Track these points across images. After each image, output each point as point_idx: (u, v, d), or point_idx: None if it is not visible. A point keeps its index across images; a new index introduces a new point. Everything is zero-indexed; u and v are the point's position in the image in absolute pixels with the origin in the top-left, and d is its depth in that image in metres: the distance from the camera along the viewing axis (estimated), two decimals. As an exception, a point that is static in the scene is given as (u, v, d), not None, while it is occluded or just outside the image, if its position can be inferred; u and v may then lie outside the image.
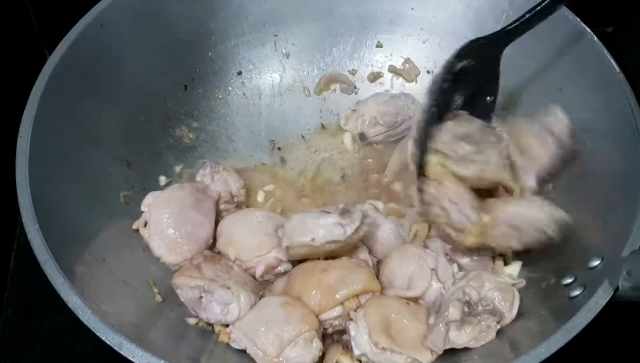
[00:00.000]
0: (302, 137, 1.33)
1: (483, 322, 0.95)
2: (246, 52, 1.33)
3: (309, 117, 1.34)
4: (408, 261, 1.05)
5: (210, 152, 1.29)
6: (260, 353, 0.95)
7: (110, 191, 1.10)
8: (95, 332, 0.83)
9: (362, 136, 1.28)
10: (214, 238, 1.12)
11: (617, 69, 1.06)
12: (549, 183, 1.11)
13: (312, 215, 1.03)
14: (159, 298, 1.02)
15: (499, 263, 1.09)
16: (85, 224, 1.00)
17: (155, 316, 0.99)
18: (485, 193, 1.07)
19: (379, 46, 1.35)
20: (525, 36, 1.19)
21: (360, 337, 0.95)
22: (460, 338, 0.95)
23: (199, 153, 1.28)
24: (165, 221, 1.07)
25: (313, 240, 1.01)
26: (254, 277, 1.08)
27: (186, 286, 1.01)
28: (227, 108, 1.33)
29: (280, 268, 1.08)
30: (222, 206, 1.16)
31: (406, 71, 1.34)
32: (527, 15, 1.08)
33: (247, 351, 0.96)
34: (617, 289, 0.85)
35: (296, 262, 1.07)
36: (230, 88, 1.33)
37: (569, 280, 0.95)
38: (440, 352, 0.95)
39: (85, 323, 0.84)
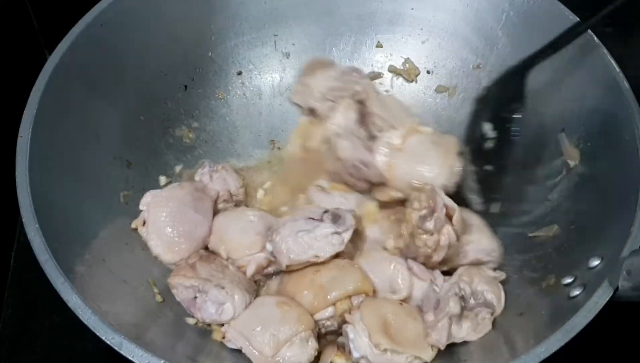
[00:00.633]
0: (303, 137, 1.33)
1: (479, 315, 0.99)
2: (246, 52, 1.33)
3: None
4: (381, 267, 1.05)
5: (210, 152, 1.29)
6: (256, 353, 0.95)
7: (110, 191, 1.10)
8: (95, 331, 0.83)
9: (312, 111, 1.28)
10: (211, 237, 1.12)
11: (617, 69, 1.06)
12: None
13: (301, 226, 1.01)
14: (159, 298, 1.02)
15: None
16: (85, 224, 1.00)
17: (155, 316, 0.99)
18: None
19: (379, 46, 1.35)
20: (525, 36, 1.20)
21: (359, 339, 0.95)
22: (460, 332, 0.97)
23: (199, 153, 1.28)
24: (163, 219, 1.07)
25: (317, 257, 1.01)
26: (250, 276, 1.08)
27: (181, 286, 1.02)
28: (227, 108, 1.33)
29: (271, 269, 1.07)
30: (220, 205, 1.16)
31: (406, 71, 1.34)
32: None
33: (243, 351, 0.96)
34: (617, 289, 0.85)
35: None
36: (230, 88, 1.33)
37: (569, 280, 0.95)
38: (442, 348, 0.96)
39: (85, 323, 0.84)
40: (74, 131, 1.05)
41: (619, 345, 1.15)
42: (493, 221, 1.13)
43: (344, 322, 0.99)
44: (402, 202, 1.14)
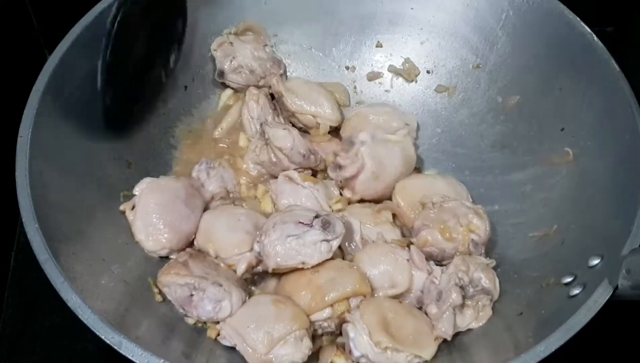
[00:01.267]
0: (302, 137, 1.32)
1: (479, 302, 1.01)
2: (246, 53, 1.33)
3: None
4: (380, 260, 1.05)
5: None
6: (250, 350, 0.95)
7: (110, 191, 1.10)
8: (95, 331, 0.83)
9: (220, 74, 1.27)
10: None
11: (617, 69, 1.06)
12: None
13: (290, 230, 1.00)
14: (158, 298, 1.02)
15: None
16: (85, 224, 1.00)
17: (155, 316, 0.99)
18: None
19: (379, 45, 1.35)
20: (526, 36, 1.20)
21: (360, 338, 0.95)
22: (464, 320, 0.99)
23: (199, 153, 1.27)
24: (152, 206, 1.07)
25: (304, 263, 1.00)
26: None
27: (174, 284, 1.00)
28: (227, 108, 1.33)
29: (260, 268, 1.07)
30: (217, 203, 1.16)
31: (406, 71, 1.34)
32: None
33: (237, 348, 0.96)
34: (616, 288, 0.85)
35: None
36: (230, 88, 1.33)
37: (568, 279, 0.95)
38: (449, 338, 0.97)
39: (85, 322, 0.84)
40: (73, 131, 1.05)
41: (619, 344, 1.15)
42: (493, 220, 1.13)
43: (342, 323, 0.99)
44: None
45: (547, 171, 1.14)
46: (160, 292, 1.03)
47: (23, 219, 0.90)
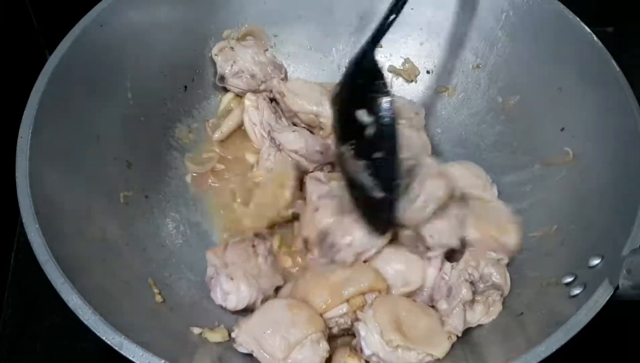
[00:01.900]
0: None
1: (489, 297, 1.02)
2: (246, 53, 1.33)
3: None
4: (392, 259, 1.06)
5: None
6: (267, 357, 0.95)
7: (110, 191, 1.10)
8: (96, 331, 0.83)
9: (221, 78, 1.28)
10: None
11: (617, 69, 1.06)
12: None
13: None
14: (159, 298, 1.02)
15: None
16: (85, 224, 1.00)
17: (155, 316, 0.99)
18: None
19: (379, 46, 1.34)
20: (525, 36, 1.20)
21: (370, 337, 0.95)
22: (474, 316, 1.01)
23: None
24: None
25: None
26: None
27: (209, 263, 1.07)
28: (227, 108, 1.33)
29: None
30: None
31: (406, 71, 1.34)
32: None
33: (254, 355, 0.96)
34: (617, 288, 0.85)
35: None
36: (230, 88, 1.33)
37: (569, 279, 0.95)
38: (459, 334, 0.98)
39: (86, 323, 0.84)
40: (74, 131, 1.05)
41: (619, 344, 1.15)
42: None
43: (357, 319, 0.99)
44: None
45: (547, 171, 1.14)
46: (160, 293, 1.03)
47: (23, 219, 0.90)
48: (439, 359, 0.96)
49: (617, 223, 0.94)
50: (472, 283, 1.01)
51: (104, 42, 1.12)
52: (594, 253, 0.94)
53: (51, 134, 1.01)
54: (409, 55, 1.34)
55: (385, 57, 1.35)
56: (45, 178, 0.97)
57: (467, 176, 1.15)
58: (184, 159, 1.24)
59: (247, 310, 1.04)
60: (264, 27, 1.32)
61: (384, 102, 0.99)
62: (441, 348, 0.96)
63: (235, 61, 1.26)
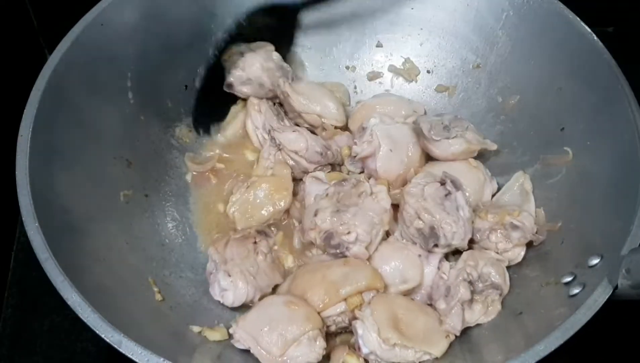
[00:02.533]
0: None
1: (488, 297, 1.02)
2: (246, 52, 1.33)
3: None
4: (391, 256, 1.06)
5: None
6: (264, 353, 0.95)
7: (111, 190, 1.10)
8: (95, 329, 0.83)
9: (229, 85, 1.27)
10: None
11: (617, 69, 1.06)
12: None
13: None
14: (158, 297, 1.02)
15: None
16: (85, 223, 1.00)
17: (154, 315, 0.99)
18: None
19: (379, 45, 1.35)
20: (526, 36, 1.20)
21: (368, 335, 0.96)
22: (473, 316, 1.00)
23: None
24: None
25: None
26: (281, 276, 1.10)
27: (210, 257, 1.08)
28: (227, 108, 1.33)
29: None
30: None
31: (406, 71, 1.34)
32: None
33: (251, 351, 0.96)
34: (616, 287, 0.85)
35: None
36: (230, 88, 1.33)
37: (568, 279, 0.95)
38: (458, 334, 0.98)
39: (85, 321, 0.84)
40: (74, 131, 1.05)
41: (619, 343, 1.15)
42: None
43: (355, 318, 0.99)
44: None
45: (547, 171, 1.14)
46: (160, 291, 1.03)
47: (23, 218, 0.90)
48: (437, 358, 0.97)
49: (616, 222, 0.94)
50: (470, 282, 1.01)
51: (104, 41, 1.12)
52: (593, 252, 0.94)
53: (51, 133, 1.01)
54: (409, 55, 1.34)
55: (386, 57, 1.35)
56: (45, 177, 0.97)
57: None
58: (184, 158, 1.24)
59: (245, 307, 1.04)
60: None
61: None
62: (439, 347, 0.96)
63: (244, 69, 1.26)
